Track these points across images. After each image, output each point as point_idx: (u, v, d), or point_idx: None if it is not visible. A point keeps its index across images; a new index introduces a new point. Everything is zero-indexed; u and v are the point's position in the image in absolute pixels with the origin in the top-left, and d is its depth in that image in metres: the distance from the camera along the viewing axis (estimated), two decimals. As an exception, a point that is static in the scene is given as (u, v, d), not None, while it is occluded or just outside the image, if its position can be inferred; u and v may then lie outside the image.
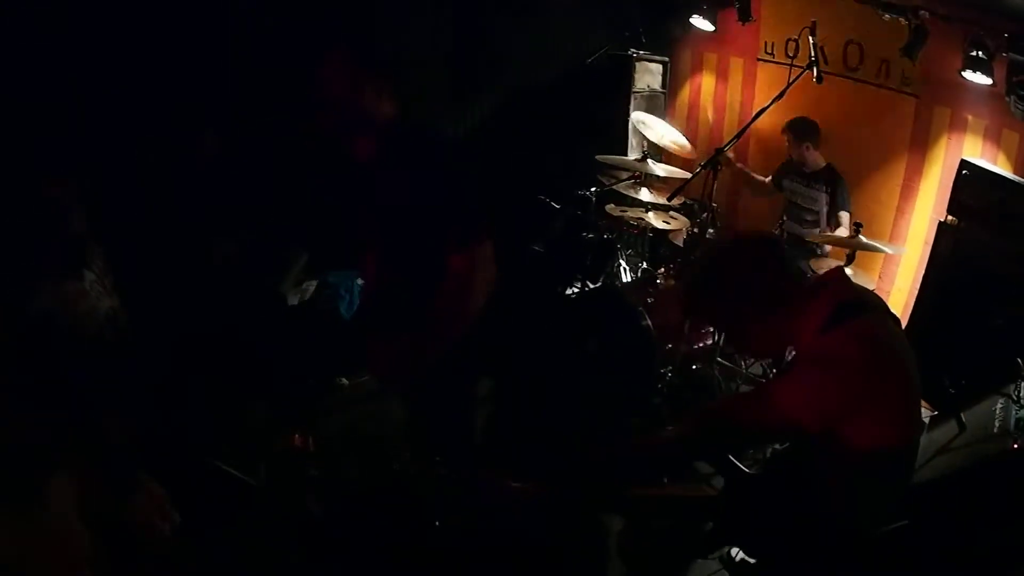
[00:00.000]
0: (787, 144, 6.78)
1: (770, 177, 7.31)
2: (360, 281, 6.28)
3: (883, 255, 6.52)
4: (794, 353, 2.98)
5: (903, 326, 5.69)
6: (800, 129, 6.68)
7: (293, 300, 6.26)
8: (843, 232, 6.09)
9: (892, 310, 3.06)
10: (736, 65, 8.25)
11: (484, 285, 3.50)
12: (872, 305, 2.93)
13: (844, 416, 2.63)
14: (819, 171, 6.72)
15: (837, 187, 6.60)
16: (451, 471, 3.35)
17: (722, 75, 8.46)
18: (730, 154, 7.12)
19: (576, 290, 7.19)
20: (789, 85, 5.31)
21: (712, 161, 5.17)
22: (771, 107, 5.55)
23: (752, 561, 3.26)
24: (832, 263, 5.88)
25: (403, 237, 3.55)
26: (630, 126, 8.23)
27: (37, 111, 4.78)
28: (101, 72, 5.22)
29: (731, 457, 3.25)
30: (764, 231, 5.81)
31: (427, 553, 3.66)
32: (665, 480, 4.89)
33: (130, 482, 3.31)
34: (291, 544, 3.97)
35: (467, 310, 3.49)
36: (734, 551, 3.61)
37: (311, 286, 6.42)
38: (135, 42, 5.40)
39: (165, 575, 3.48)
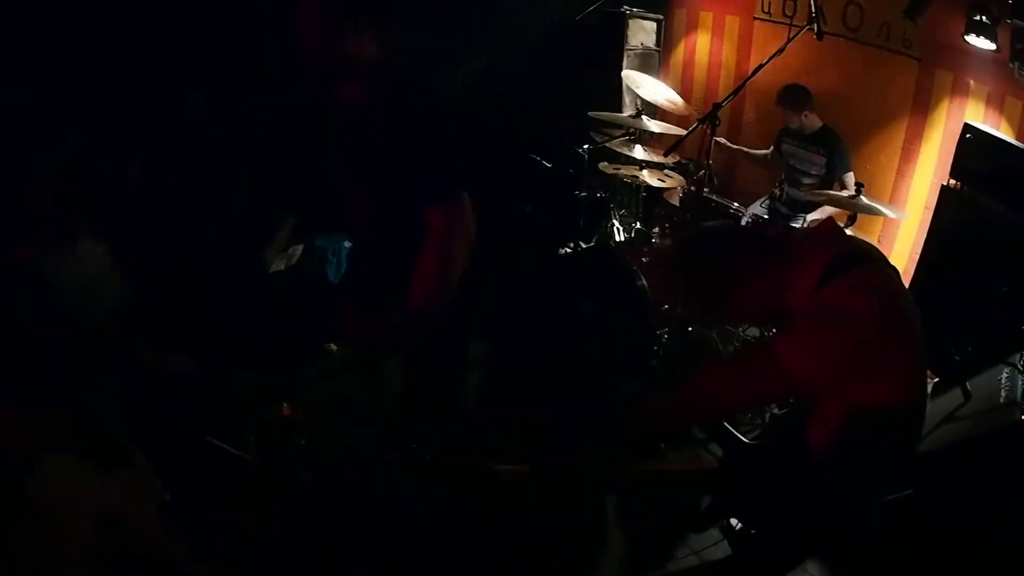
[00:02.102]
0: (784, 114, 6.67)
1: (771, 147, 7.23)
2: (347, 244, 6.20)
3: (882, 218, 6.45)
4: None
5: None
6: (793, 98, 6.58)
7: (280, 265, 6.19)
8: (863, 198, 6.02)
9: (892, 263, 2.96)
10: (732, 23, 8.14)
11: (464, 241, 3.41)
12: (872, 256, 2.84)
13: (852, 373, 2.53)
14: (816, 132, 6.64)
15: (834, 149, 6.51)
16: (434, 457, 3.31)
17: (718, 33, 8.35)
18: (723, 140, 7.07)
19: (569, 250, 7.11)
20: (789, 41, 5.21)
21: (710, 116, 5.08)
22: (769, 67, 5.45)
23: (752, 531, 3.21)
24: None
25: (383, 191, 3.48)
26: (624, 84, 8.11)
27: (21, 87, 4.69)
28: (81, 39, 5.11)
29: (728, 427, 3.18)
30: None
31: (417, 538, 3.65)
32: (663, 446, 4.88)
33: (115, 457, 3.28)
34: (282, 518, 3.95)
35: (450, 269, 3.38)
36: (734, 520, 3.57)
37: (298, 250, 6.33)
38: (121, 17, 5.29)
39: (152, 553, 3.43)
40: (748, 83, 5.62)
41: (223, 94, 5.70)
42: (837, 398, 2.59)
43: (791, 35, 5.27)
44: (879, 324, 2.51)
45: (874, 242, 6.30)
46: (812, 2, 5.32)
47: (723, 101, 5.12)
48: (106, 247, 3.81)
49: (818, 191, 6.32)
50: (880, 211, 5.46)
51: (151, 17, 5.37)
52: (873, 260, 2.80)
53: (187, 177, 5.26)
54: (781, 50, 5.21)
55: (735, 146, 7.55)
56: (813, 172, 6.63)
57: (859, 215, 5.44)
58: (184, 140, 5.37)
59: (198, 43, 5.66)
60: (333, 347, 5.88)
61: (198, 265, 5.11)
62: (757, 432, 5.05)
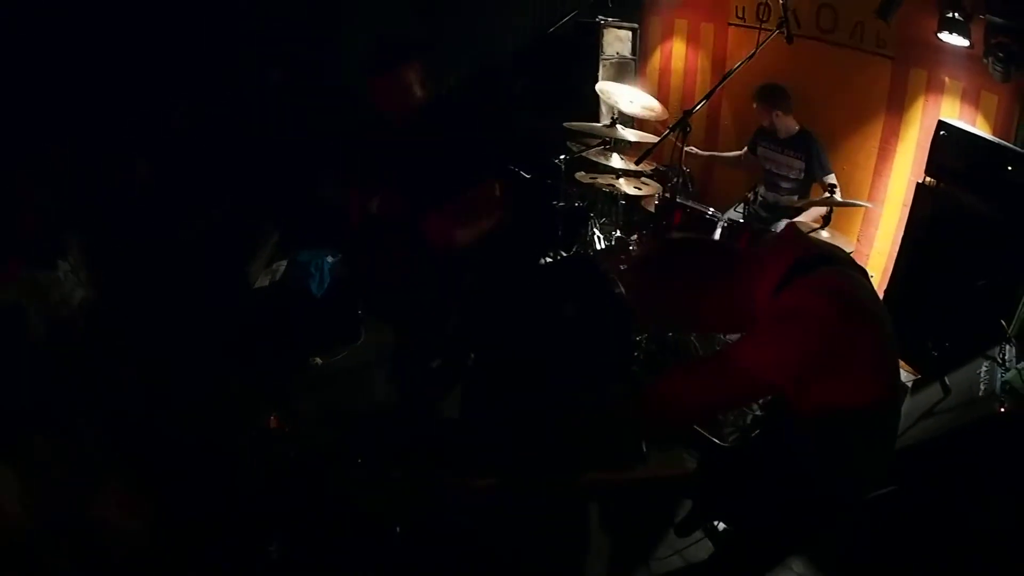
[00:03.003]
0: (757, 112, 6.65)
1: (744, 148, 7.20)
2: (330, 259, 6.23)
3: (860, 217, 6.45)
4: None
5: (884, 289, 5.70)
6: (768, 96, 6.55)
7: (264, 280, 6.18)
8: (839, 194, 6.00)
9: (860, 264, 2.96)
10: (707, 30, 8.14)
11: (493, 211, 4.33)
12: (835, 257, 2.82)
13: (813, 372, 2.52)
14: (792, 136, 6.59)
15: (811, 152, 6.46)
16: (408, 475, 3.32)
17: (693, 41, 8.35)
18: (693, 149, 7.07)
19: (549, 259, 7.10)
20: (759, 47, 5.20)
21: (680, 123, 5.07)
22: (745, 71, 5.44)
23: (735, 530, 3.20)
24: (809, 225, 5.80)
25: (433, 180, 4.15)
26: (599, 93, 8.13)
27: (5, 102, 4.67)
28: (71, 53, 5.10)
29: (703, 432, 3.17)
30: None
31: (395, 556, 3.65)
32: (645, 449, 4.84)
33: (99, 475, 3.27)
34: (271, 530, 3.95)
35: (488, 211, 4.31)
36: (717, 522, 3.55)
37: (281, 266, 6.34)
38: (107, 22, 5.27)
39: (138, 569, 3.42)
40: (724, 87, 5.61)
41: (210, 107, 5.71)
42: (805, 398, 2.58)
43: (760, 40, 5.26)
44: (837, 323, 2.49)
45: (853, 243, 6.29)
46: (782, 7, 5.32)
47: (693, 108, 5.11)
48: (91, 263, 3.80)
49: (798, 202, 6.35)
50: (852, 203, 5.48)
51: (142, 27, 5.38)
52: (837, 261, 2.79)
53: (172, 190, 5.26)
54: (750, 57, 5.20)
55: (706, 153, 7.53)
56: (792, 176, 6.58)
57: (833, 215, 5.45)
58: (170, 152, 5.38)
59: (187, 55, 5.67)
60: (318, 360, 5.88)
61: (183, 278, 5.10)
62: (737, 434, 5.05)
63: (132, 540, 3.31)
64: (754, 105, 6.62)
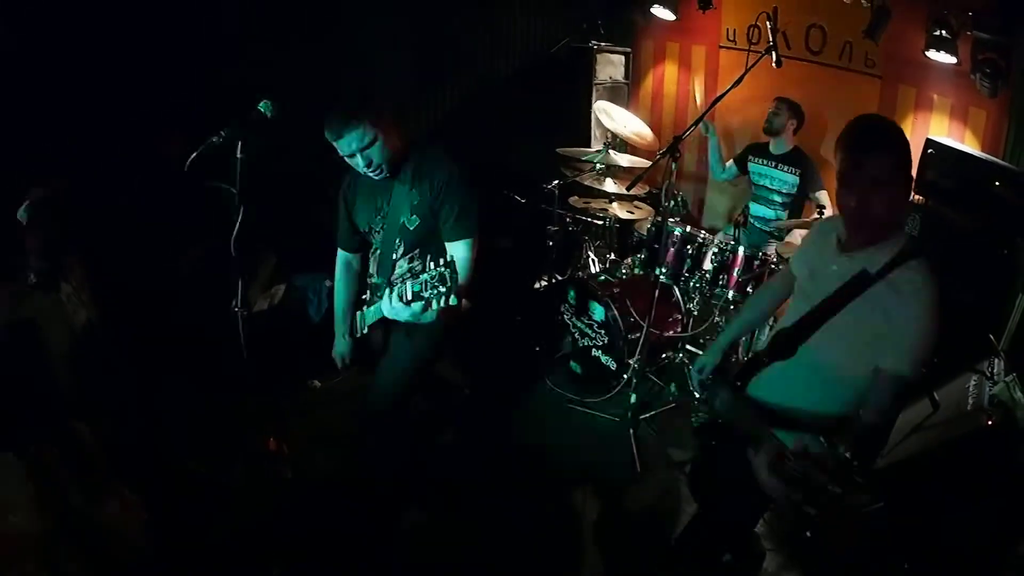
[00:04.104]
0: (773, 114, 6.67)
1: (731, 160, 7.26)
2: (328, 283, 6.26)
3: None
4: None
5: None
6: (797, 107, 6.65)
7: (263, 304, 6.20)
8: (828, 212, 6.02)
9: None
10: (698, 53, 8.20)
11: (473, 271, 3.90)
12: None
13: None
14: (788, 153, 6.69)
15: (807, 168, 6.57)
16: None
17: (684, 64, 8.41)
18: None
19: (544, 284, 7.13)
20: (747, 71, 5.21)
21: (671, 149, 5.09)
22: (736, 93, 5.46)
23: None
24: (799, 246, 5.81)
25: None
26: (593, 118, 8.17)
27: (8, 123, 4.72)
28: (70, 79, 5.15)
29: None
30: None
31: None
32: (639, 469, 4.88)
33: (102, 490, 3.30)
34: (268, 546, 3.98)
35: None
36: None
37: (280, 290, 6.35)
38: (104, 48, 5.33)
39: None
40: (715, 110, 5.65)
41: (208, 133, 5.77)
42: None
43: (748, 64, 5.29)
44: None
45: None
46: (770, 31, 5.35)
47: (683, 134, 5.10)
48: (91, 283, 3.84)
49: (781, 222, 6.39)
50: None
51: (138, 46, 5.43)
52: None
53: (170, 215, 5.29)
54: (739, 81, 5.21)
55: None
56: (785, 190, 6.65)
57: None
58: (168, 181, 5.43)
59: (183, 79, 5.72)
60: (316, 383, 5.89)
61: (181, 299, 5.13)
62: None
63: (135, 546, 3.35)
64: (774, 105, 6.68)
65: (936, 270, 2.80)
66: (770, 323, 4.96)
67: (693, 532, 3.94)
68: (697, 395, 3.73)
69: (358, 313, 4.34)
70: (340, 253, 4.42)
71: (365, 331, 4.26)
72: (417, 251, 3.95)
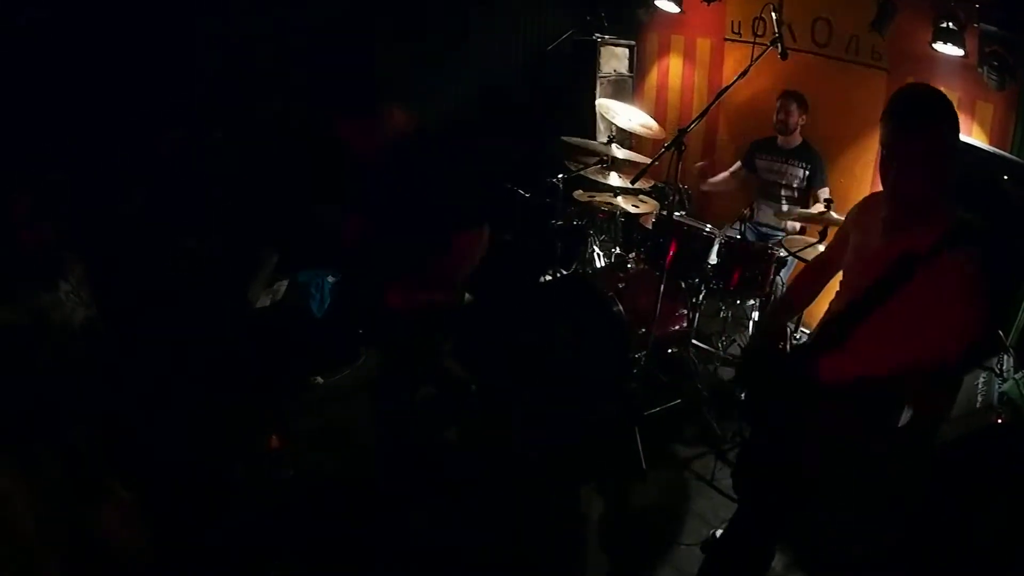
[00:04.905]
0: (780, 110, 6.68)
1: (738, 163, 7.23)
2: (331, 279, 6.25)
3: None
4: None
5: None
6: (803, 99, 6.65)
7: (265, 301, 6.19)
8: (819, 208, 5.99)
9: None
10: (703, 46, 8.16)
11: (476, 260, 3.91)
12: None
13: None
14: (797, 147, 6.71)
15: (815, 162, 6.61)
16: None
17: (689, 56, 8.37)
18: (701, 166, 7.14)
19: (548, 278, 7.11)
20: (752, 63, 5.18)
21: (676, 142, 5.05)
22: (742, 86, 5.43)
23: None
24: (806, 240, 5.79)
25: (411, 216, 3.82)
26: (597, 111, 8.12)
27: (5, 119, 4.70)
28: (70, 75, 5.12)
29: None
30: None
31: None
32: (644, 467, 4.86)
33: (98, 491, 3.28)
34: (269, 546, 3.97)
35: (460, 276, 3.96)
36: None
37: (282, 286, 6.35)
38: (107, 44, 5.30)
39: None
40: (721, 103, 5.60)
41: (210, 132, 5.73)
42: None
43: (754, 56, 5.26)
44: None
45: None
46: (776, 23, 5.32)
47: (688, 127, 5.06)
48: (92, 282, 3.82)
49: (785, 214, 6.37)
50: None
51: (143, 48, 5.40)
52: None
53: (171, 212, 5.28)
54: (744, 73, 5.18)
55: (705, 187, 7.51)
56: (794, 184, 6.67)
57: (829, 230, 5.45)
58: (170, 176, 5.40)
59: (181, 79, 5.69)
60: (319, 380, 5.88)
61: (183, 298, 5.12)
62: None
63: (132, 547, 3.34)
64: (782, 101, 6.68)
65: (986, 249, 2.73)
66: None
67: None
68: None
69: None
70: None
71: None
72: None
